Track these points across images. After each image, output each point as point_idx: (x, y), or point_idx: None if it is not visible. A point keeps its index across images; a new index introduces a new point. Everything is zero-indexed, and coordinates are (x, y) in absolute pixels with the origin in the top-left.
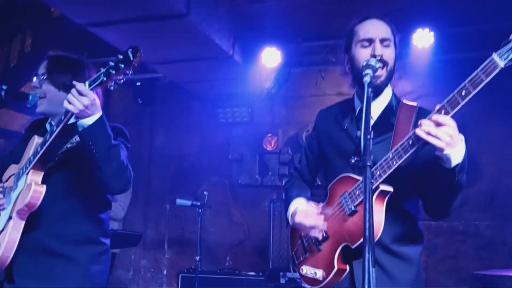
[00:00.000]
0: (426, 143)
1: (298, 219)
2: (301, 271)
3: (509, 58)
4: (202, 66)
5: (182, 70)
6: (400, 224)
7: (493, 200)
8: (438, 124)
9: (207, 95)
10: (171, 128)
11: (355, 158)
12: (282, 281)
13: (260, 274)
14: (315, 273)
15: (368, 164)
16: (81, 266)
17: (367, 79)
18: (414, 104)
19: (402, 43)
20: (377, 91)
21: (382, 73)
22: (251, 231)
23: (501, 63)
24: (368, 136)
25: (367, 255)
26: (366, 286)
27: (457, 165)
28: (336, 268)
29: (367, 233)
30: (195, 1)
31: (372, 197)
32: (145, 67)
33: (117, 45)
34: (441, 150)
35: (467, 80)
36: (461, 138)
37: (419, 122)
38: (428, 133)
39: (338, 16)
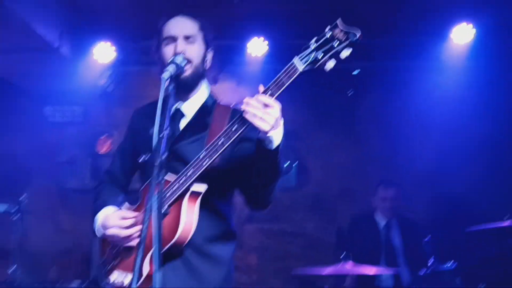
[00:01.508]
0: (239, 141)
1: (111, 231)
2: (109, 280)
3: (308, 61)
4: (23, 58)
5: (1, 61)
6: (213, 224)
7: (319, 203)
8: (265, 105)
9: (33, 90)
10: None
11: (144, 156)
12: None
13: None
14: (124, 281)
15: (156, 164)
16: None
17: (164, 75)
18: (229, 105)
19: (237, 50)
20: (185, 87)
21: (186, 68)
22: (82, 238)
23: (301, 67)
24: (161, 135)
25: (138, 262)
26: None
27: (279, 145)
28: (145, 274)
29: (141, 240)
30: None
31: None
32: None
33: None
34: (265, 132)
35: (271, 82)
36: (282, 120)
37: (244, 100)
38: (254, 115)
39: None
